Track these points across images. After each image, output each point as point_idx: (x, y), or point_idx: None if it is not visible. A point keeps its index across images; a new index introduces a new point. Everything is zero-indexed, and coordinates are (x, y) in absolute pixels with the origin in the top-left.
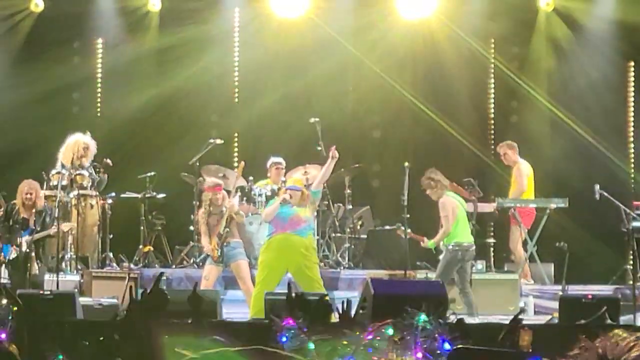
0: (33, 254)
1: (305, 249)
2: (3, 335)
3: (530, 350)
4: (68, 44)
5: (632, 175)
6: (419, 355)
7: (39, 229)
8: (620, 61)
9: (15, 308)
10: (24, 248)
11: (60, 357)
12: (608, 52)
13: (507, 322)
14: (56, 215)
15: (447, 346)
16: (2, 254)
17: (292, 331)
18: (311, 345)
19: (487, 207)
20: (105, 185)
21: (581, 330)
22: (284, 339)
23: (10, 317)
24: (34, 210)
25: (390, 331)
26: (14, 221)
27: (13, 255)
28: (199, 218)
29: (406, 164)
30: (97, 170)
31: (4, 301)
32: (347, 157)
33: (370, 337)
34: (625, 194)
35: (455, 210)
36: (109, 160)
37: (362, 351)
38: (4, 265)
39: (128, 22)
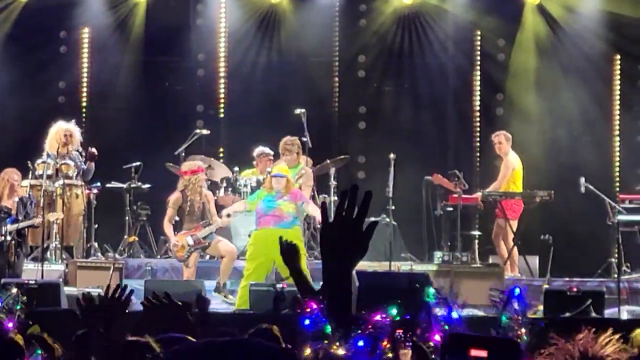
0: (14, 242)
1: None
2: (10, 325)
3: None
4: (54, 33)
5: (618, 168)
6: (437, 337)
7: (21, 218)
8: (606, 53)
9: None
10: (8, 237)
11: (39, 351)
12: (594, 45)
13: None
14: (41, 204)
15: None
16: None
17: (315, 315)
18: (328, 329)
19: (472, 199)
20: (92, 174)
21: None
22: (307, 321)
23: (18, 307)
24: (16, 199)
25: (394, 311)
26: None
27: None
28: (169, 204)
29: (391, 155)
30: (84, 158)
31: (14, 290)
32: (333, 149)
33: (377, 317)
34: (611, 187)
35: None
36: (94, 150)
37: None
38: None
39: (114, 12)
